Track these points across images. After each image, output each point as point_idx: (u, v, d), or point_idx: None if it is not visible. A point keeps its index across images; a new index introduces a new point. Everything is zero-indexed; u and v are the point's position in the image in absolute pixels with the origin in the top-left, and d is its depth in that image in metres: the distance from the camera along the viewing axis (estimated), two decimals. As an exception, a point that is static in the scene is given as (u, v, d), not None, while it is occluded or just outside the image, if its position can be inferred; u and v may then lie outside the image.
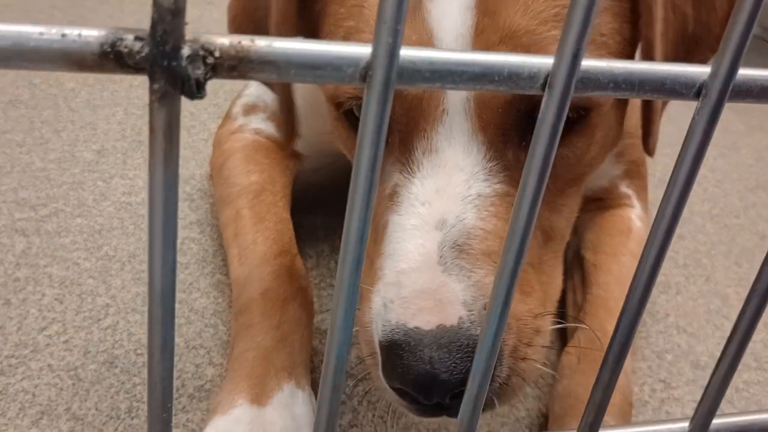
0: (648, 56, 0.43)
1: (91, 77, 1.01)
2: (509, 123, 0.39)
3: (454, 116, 0.36)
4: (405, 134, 0.38)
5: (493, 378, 0.35)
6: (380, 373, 0.36)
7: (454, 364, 0.29)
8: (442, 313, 0.34)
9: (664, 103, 0.49)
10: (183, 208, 0.75)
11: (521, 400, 0.58)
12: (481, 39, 0.36)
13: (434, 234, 0.36)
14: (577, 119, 0.41)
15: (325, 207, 0.78)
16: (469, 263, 0.35)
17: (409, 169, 0.38)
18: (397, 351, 0.34)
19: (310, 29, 0.48)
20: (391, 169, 0.40)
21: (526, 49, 0.36)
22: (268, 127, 0.70)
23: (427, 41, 0.36)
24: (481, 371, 0.25)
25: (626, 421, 0.51)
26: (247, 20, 0.52)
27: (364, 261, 0.48)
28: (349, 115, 0.42)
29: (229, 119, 0.73)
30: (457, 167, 0.37)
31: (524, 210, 0.23)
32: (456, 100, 0.35)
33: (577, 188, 0.46)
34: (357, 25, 0.41)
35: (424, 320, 0.33)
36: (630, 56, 0.45)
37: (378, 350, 0.36)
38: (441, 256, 0.35)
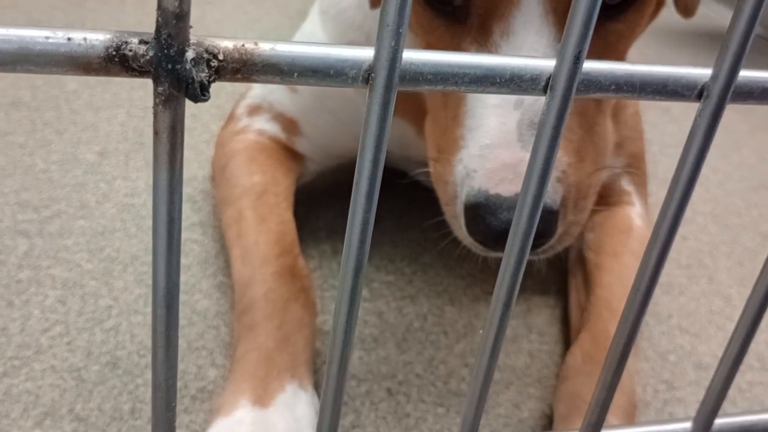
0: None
1: (92, 79, 1.01)
2: None
3: (529, 1, 0.40)
4: (483, 18, 0.42)
5: (549, 235, 0.42)
6: (462, 226, 0.43)
7: None
8: (520, 183, 0.38)
9: None
10: (185, 210, 0.76)
11: (524, 401, 0.58)
12: None
13: (514, 113, 0.40)
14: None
15: (327, 208, 0.78)
16: None
17: (487, 50, 0.42)
18: (480, 212, 0.41)
19: None
20: (468, 47, 0.43)
21: None
22: (272, 128, 0.70)
23: None
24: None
25: (630, 422, 0.51)
26: None
27: (434, 125, 0.48)
28: None
29: (233, 120, 0.73)
30: (532, 49, 0.41)
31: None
32: None
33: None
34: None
35: (505, 189, 0.40)
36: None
37: (460, 209, 0.43)
38: (520, 134, 0.40)
